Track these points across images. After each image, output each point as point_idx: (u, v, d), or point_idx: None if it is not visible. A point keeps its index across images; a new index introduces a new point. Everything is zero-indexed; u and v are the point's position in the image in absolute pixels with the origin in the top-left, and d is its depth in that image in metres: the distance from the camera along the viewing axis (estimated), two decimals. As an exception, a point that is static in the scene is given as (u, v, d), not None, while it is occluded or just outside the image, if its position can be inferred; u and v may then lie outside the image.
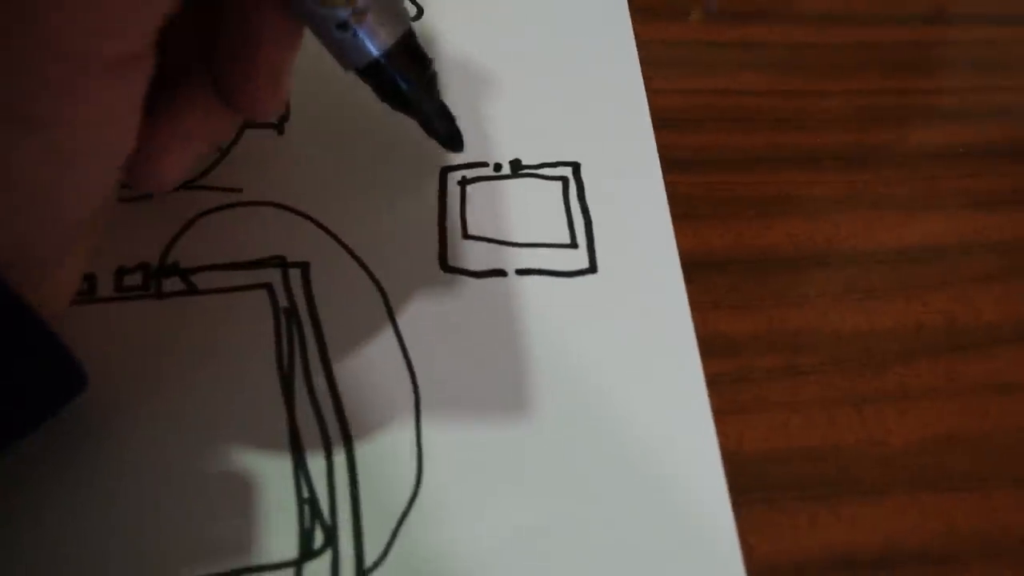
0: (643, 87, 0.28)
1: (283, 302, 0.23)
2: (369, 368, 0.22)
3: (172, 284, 0.23)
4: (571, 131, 0.27)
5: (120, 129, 0.16)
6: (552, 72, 0.28)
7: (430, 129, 0.22)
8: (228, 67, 0.19)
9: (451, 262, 0.24)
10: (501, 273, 0.24)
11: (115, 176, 0.17)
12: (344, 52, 0.20)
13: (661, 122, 0.27)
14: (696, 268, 0.25)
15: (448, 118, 0.22)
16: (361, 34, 0.19)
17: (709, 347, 0.23)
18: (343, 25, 0.19)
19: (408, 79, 0.21)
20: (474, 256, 0.24)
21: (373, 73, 0.20)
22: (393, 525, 0.20)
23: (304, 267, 0.23)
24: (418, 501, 0.20)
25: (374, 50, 0.20)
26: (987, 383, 0.24)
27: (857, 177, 0.27)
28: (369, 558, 0.19)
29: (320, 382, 0.22)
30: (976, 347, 0.24)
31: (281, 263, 0.23)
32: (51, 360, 0.17)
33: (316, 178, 0.25)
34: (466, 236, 0.24)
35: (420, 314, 0.23)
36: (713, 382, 0.22)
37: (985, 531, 0.21)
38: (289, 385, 0.22)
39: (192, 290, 0.23)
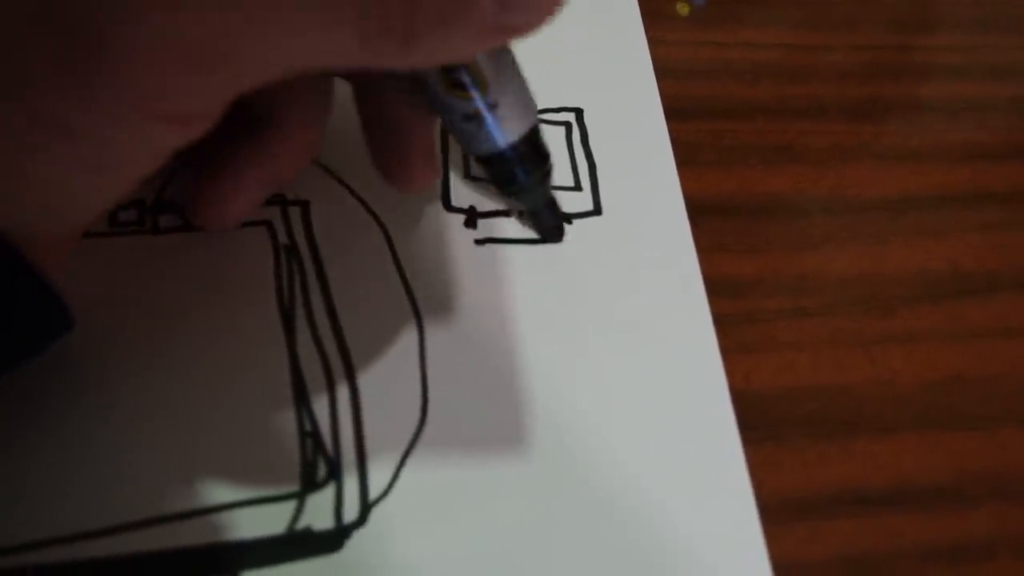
0: (644, 37, 0.28)
1: (283, 239, 0.22)
2: (372, 304, 0.21)
3: (169, 220, 0.22)
4: (573, 79, 0.26)
5: (153, 159, 0.16)
6: (553, 22, 0.28)
7: (534, 218, 0.22)
8: (385, 157, 0.20)
9: (454, 203, 0.23)
10: (504, 214, 0.23)
11: (130, 189, 0.17)
12: (467, 140, 0.19)
13: (664, 73, 0.27)
14: (701, 212, 0.24)
15: (555, 210, 0.22)
16: (487, 126, 0.19)
17: (715, 288, 0.23)
18: (470, 116, 0.18)
19: (527, 172, 0.20)
20: (477, 197, 0.24)
21: (493, 162, 0.20)
22: (398, 459, 0.19)
23: (304, 205, 0.23)
24: (423, 435, 0.20)
25: (499, 143, 0.19)
26: (990, 327, 0.24)
27: (862, 128, 0.27)
28: (374, 491, 0.19)
29: (322, 318, 0.21)
30: (978, 292, 0.24)
31: (281, 200, 0.23)
32: (36, 299, 0.17)
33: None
34: (468, 177, 0.24)
35: (423, 252, 0.22)
36: (719, 322, 0.22)
37: (993, 469, 0.21)
38: (290, 320, 0.21)
39: (189, 226, 0.22)
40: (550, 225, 0.23)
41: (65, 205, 0.16)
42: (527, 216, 0.23)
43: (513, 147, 0.19)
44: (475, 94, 0.18)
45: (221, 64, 0.14)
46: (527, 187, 0.21)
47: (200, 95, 0.15)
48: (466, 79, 0.18)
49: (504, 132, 0.19)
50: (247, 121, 0.19)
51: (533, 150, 0.20)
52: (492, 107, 0.18)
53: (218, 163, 0.20)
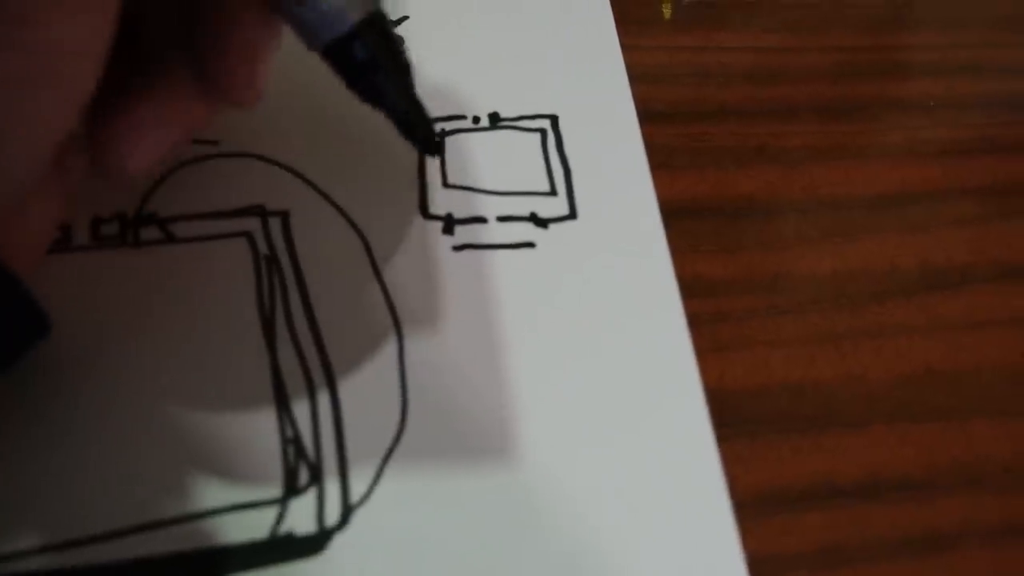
0: (618, 43, 0.28)
1: (263, 250, 0.23)
2: (351, 312, 0.22)
3: (149, 233, 0.23)
4: (548, 85, 0.27)
5: (78, 66, 0.15)
6: (527, 28, 0.28)
7: (404, 127, 0.20)
8: (204, 49, 0.19)
9: (432, 210, 0.24)
10: (482, 220, 0.24)
11: (70, 120, 0.16)
12: (304, 28, 0.18)
13: (638, 77, 0.28)
14: (674, 215, 0.25)
15: (424, 115, 0.20)
16: (323, 8, 0.17)
17: (688, 288, 0.23)
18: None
19: (377, 63, 0.19)
20: (454, 204, 0.24)
21: (337, 54, 0.18)
22: (378, 463, 0.20)
23: (284, 216, 0.23)
24: (403, 439, 0.20)
25: (337, 27, 0.18)
26: (960, 321, 0.24)
27: (834, 128, 0.28)
28: (355, 495, 0.19)
29: (302, 326, 0.21)
30: (948, 287, 0.25)
31: (260, 212, 0.23)
32: (10, 301, 0.17)
33: (294, 128, 0.25)
34: (446, 185, 0.24)
35: (401, 259, 0.23)
36: (693, 321, 0.22)
37: (964, 460, 0.22)
38: (271, 329, 0.21)
39: (170, 239, 0.23)
40: (420, 131, 0.20)
41: None
42: (395, 123, 0.20)
43: (353, 33, 0.18)
44: None
45: None
46: (381, 82, 0.19)
47: None
48: None
49: (340, 15, 0.18)
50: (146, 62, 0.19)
51: (379, 37, 0.19)
52: None
53: (114, 102, 0.19)
